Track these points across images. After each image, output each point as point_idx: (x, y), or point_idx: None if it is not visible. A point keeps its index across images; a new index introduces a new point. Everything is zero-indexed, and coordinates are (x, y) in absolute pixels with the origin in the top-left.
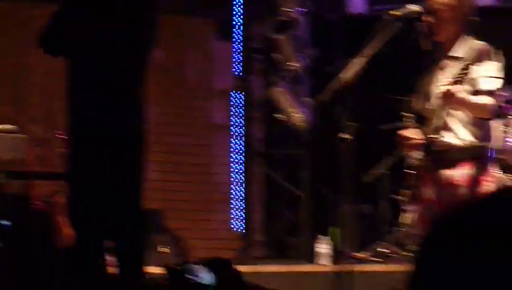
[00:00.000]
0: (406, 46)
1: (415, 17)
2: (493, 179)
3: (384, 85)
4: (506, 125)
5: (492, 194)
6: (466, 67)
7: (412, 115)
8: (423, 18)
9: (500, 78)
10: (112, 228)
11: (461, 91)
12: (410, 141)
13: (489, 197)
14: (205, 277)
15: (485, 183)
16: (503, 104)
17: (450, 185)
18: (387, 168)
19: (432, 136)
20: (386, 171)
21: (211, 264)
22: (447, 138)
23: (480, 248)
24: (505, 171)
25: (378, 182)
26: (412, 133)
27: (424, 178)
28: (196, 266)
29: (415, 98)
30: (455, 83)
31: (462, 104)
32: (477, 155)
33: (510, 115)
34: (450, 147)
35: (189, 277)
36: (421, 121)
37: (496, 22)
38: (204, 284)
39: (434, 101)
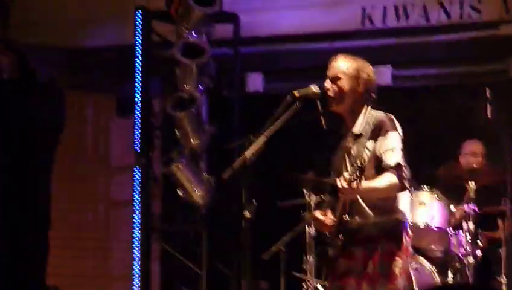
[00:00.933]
0: (306, 125)
1: (314, 97)
2: (408, 254)
3: (285, 163)
4: None
5: None
6: (360, 167)
7: (312, 193)
8: (326, 87)
9: (399, 148)
10: None
11: (359, 185)
12: (322, 222)
13: None
14: None
15: (398, 258)
16: None
17: (361, 260)
18: (285, 244)
19: (341, 216)
20: (285, 247)
21: None
22: (356, 216)
23: None
24: None
25: (276, 258)
26: (324, 214)
27: (337, 255)
28: None
29: (332, 174)
30: (350, 181)
31: (364, 194)
32: (388, 230)
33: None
34: (360, 225)
35: None
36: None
37: (390, 100)
38: None
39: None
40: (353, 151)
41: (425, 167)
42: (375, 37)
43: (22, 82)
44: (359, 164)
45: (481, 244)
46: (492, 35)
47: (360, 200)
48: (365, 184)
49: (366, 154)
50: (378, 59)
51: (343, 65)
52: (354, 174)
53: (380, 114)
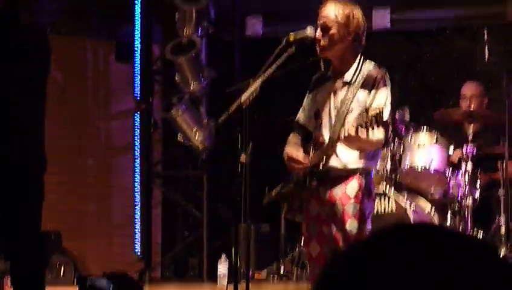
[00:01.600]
0: (302, 68)
1: (310, 40)
2: (373, 199)
3: (281, 106)
4: (402, 147)
5: (379, 235)
6: (374, 117)
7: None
8: (316, 35)
9: (389, 104)
10: (9, 248)
11: (364, 134)
12: (295, 162)
13: (376, 237)
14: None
15: (365, 201)
16: (398, 125)
17: (333, 202)
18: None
19: (316, 158)
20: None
21: (113, 277)
22: (331, 161)
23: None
24: (399, 191)
25: (276, 201)
26: (298, 154)
27: (309, 197)
28: (98, 278)
29: (301, 111)
30: (360, 130)
31: (362, 143)
32: (359, 174)
33: (405, 136)
34: (333, 168)
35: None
36: (307, 137)
37: (389, 43)
38: None
39: (324, 124)
40: (340, 96)
41: (425, 109)
42: None
43: (2, 24)
44: (373, 113)
45: (480, 186)
46: None
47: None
48: (365, 136)
49: (355, 104)
50: (377, 2)
51: (332, 13)
52: (365, 123)
53: (373, 67)
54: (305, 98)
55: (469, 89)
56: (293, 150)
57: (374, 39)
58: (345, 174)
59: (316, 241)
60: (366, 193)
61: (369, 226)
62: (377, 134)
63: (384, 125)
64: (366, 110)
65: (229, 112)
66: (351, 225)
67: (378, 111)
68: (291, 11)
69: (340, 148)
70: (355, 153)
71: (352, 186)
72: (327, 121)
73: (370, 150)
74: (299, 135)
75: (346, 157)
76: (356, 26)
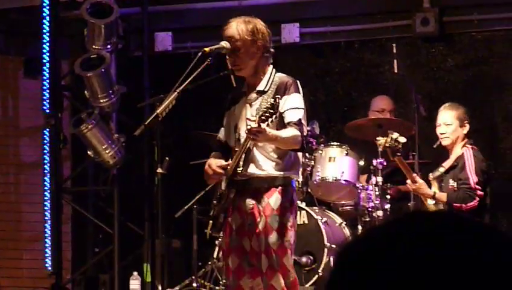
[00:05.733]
0: (216, 81)
1: (226, 51)
2: (296, 210)
3: (196, 120)
4: (313, 160)
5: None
6: (272, 104)
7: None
8: (227, 56)
9: (302, 108)
10: None
11: (267, 128)
12: (214, 172)
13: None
14: None
15: (288, 212)
16: (309, 139)
17: (253, 214)
18: (197, 202)
19: (235, 166)
20: (197, 205)
21: None
22: (251, 168)
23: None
24: (310, 204)
25: (189, 216)
26: (216, 164)
27: (229, 208)
28: None
29: (222, 130)
30: (260, 120)
31: (270, 140)
32: (280, 185)
33: (316, 150)
34: (253, 177)
35: None
36: (228, 151)
37: (298, 57)
38: None
39: (242, 135)
40: (255, 106)
41: (335, 123)
42: None
43: None
44: (269, 104)
45: (390, 198)
46: None
47: (256, 152)
48: (271, 131)
49: (267, 112)
50: (285, 17)
51: (236, 32)
52: (264, 116)
53: (285, 76)
54: (224, 117)
55: (378, 103)
56: (212, 160)
57: (282, 53)
58: (266, 186)
59: (235, 254)
60: (289, 205)
61: (292, 239)
62: (290, 132)
63: (298, 124)
64: (280, 114)
65: (145, 124)
66: (273, 238)
67: (271, 102)
68: (200, 28)
69: (259, 156)
70: (274, 162)
71: (275, 198)
72: (244, 131)
73: (288, 147)
74: (221, 153)
75: (265, 165)
76: (263, 39)
